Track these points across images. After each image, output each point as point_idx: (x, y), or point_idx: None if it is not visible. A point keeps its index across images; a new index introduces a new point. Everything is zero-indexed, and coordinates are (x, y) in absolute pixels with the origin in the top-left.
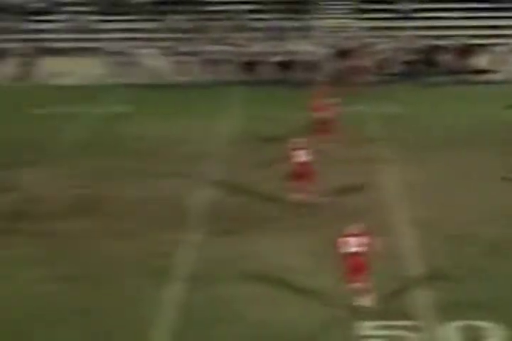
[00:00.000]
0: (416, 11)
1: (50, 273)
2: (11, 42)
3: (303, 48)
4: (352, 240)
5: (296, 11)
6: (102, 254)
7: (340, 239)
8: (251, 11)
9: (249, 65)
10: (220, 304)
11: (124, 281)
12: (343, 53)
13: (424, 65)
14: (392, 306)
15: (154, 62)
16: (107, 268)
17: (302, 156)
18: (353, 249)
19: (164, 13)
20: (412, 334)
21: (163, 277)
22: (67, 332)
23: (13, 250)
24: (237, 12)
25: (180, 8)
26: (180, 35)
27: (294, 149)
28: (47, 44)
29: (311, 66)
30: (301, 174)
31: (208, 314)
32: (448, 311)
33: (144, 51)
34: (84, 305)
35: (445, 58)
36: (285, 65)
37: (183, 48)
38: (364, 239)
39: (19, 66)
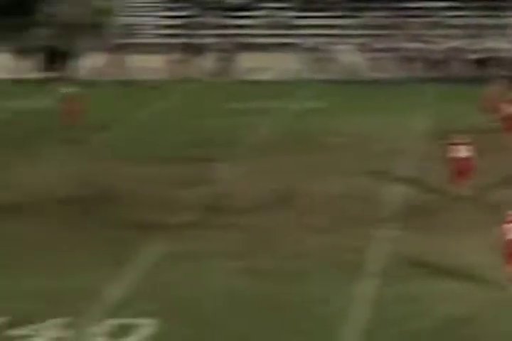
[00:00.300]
0: None
1: (242, 267)
2: (210, 38)
3: (499, 46)
4: None
5: (494, 9)
6: (293, 249)
7: (505, 225)
8: (448, 8)
9: (443, 62)
10: (411, 300)
11: (315, 276)
12: None
13: None
14: None
15: (350, 58)
16: (298, 263)
17: (463, 152)
18: None
19: (360, 9)
20: None
21: (355, 272)
22: (256, 325)
23: (206, 243)
24: (434, 9)
25: (376, 4)
26: (376, 32)
27: (455, 144)
28: (245, 40)
29: (507, 63)
30: (460, 170)
31: (399, 310)
32: None
33: (340, 47)
34: (274, 299)
35: None
36: (481, 62)
37: (379, 45)
38: None
39: (218, 61)
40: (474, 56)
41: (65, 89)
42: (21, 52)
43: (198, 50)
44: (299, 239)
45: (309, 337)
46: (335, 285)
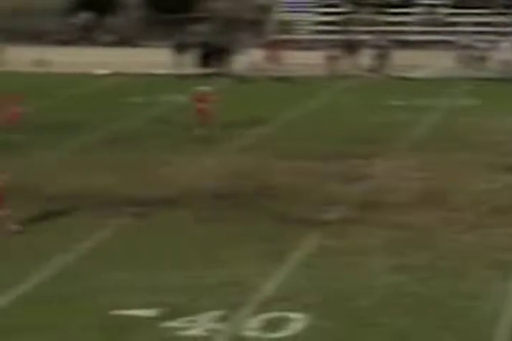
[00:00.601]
0: None
1: (395, 264)
2: (366, 35)
3: None
4: None
5: None
6: (446, 246)
7: None
8: None
9: None
10: None
11: (468, 273)
12: None
13: None
14: None
15: (505, 56)
16: (451, 260)
17: None
18: None
19: None
20: None
21: (509, 270)
22: (409, 322)
23: (360, 239)
24: None
25: None
26: None
27: None
28: (402, 36)
29: None
30: None
31: None
32: None
33: (496, 45)
34: (427, 297)
35: None
36: None
37: None
38: None
39: (374, 58)
40: None
41: (203, 87)
42: (181, 47)
43: (354, 46)
44: (452, 236)
45: (464, 335)
46: (488, 283)
